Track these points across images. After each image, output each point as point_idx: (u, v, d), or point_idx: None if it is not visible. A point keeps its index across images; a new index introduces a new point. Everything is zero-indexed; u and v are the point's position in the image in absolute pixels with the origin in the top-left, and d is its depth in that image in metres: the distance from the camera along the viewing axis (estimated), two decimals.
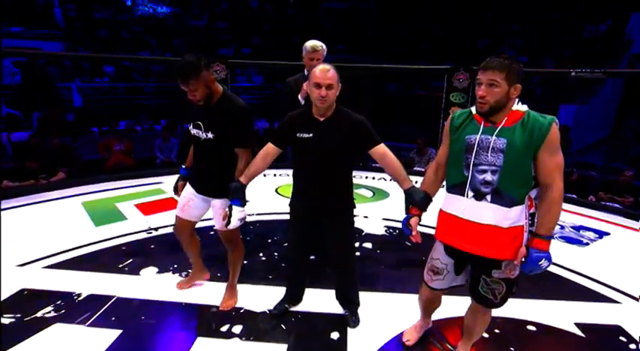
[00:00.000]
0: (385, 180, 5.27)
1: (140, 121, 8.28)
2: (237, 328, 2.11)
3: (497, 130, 1.44)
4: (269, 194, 4.55)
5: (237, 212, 1.89)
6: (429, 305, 1.93)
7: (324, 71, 1.73)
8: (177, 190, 2.28)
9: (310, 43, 2.67)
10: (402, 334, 2.06)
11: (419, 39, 13.82)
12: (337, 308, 2.26)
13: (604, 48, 9.91)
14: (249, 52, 14.95)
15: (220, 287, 2.41)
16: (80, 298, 2.33)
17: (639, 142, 8.50)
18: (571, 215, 4.09)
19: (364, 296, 2.26)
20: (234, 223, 1.90)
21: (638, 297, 2.52)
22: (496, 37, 12.70)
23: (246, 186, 1.93)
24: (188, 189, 2.20)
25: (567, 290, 2.59)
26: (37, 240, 3.08)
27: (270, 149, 1.93)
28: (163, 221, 3.51)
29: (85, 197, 4.25)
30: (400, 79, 13.03)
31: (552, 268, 2.83)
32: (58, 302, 2.28)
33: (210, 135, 1.96)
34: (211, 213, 2.18)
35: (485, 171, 1.46)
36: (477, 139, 1.47)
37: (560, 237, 3.48)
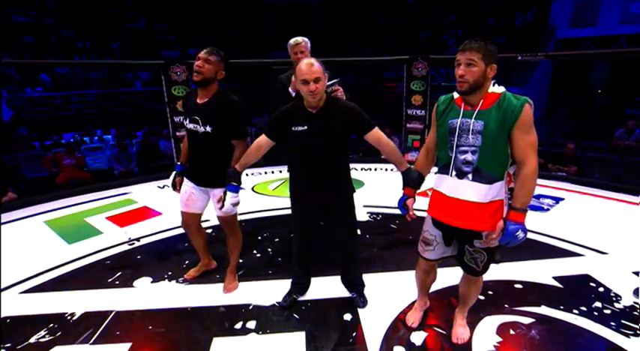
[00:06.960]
0: (357, 170, 5.41)
1: (89, 132, 7.71)
2: (251, 324, 2.11)
3: (475, 113, 1.52)
4: (246, 193, 4.50)
5: (231, 197, 2.05)
6: (425, 278, 1.99)
7: (308, 66, 1.76)
8: (175, 186, 2.37)
9: (292, 40, 2.72)
10: (405, 316, 2.10)
11: (364, 32, 14.19)
12: (343, 292, 2.35)
13: (533, 34, 10.89)
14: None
15: (219, 288, 2.44)
16: (75, 318, 2.20)
17: (570, 118, 9.51)
18: None
19: (365, 278, 2.35)
20: (227, 207, 2.07)
21: (598, 249, 2.88)
22: (437, 28, 13.42)
23: (241, 173, 2.06)
24: (187, 183, 2.30)
25: (541, 250, 2.90)
26: (5, 265, 2.81)
27: (262, 142, 1.99)
28: (143, 231, 3.36)
29: (46, 216, 3.92)
30: (350, 71, 13.32)
31: None
32: (51, 325, 2.13)
33: (208, 128, 2.08)
34: (211, 205, 2.25)
35: (466, 151, 1.55)
36: (458, 123, 1.55)
37: None
